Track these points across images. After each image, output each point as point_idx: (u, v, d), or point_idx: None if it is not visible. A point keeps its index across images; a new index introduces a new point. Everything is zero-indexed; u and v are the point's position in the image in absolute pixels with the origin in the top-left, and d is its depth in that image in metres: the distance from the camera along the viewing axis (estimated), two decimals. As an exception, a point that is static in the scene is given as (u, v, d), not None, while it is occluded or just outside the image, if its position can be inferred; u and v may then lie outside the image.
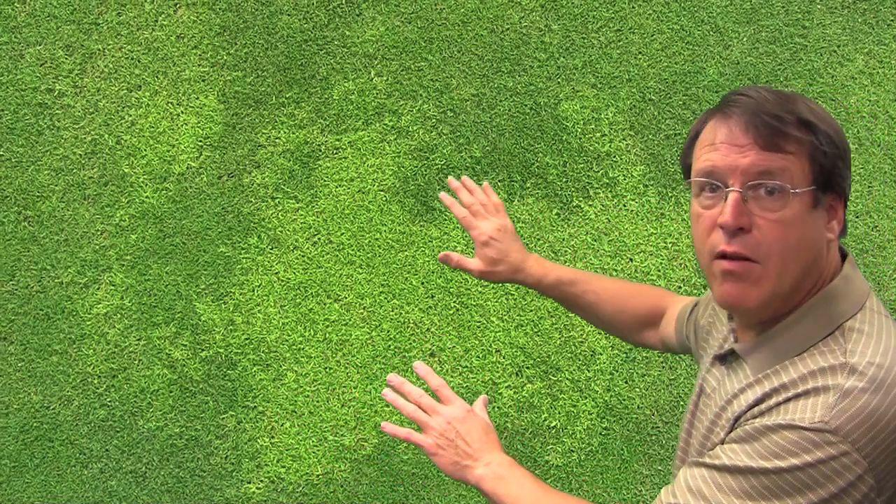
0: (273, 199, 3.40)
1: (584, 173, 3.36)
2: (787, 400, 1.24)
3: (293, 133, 3.44)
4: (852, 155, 3.30)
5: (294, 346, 3.29)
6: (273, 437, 3.23)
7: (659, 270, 3.27)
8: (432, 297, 3.31)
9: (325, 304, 3.31)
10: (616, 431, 3.18)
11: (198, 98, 3.48)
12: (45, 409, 3.29)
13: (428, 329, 3.28)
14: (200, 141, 3.45)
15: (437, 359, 3.26)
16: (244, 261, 3.36)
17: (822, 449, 1.19)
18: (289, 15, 3.53)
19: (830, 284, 1.33)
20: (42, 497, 3.24)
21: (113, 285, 3.36)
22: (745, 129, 1.28)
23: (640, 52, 3.44)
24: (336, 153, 3.43)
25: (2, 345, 3.33)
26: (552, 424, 3.19)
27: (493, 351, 3.25)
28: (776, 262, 1.28)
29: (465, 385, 3.22)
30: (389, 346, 3.27)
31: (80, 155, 3.45)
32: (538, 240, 3.32)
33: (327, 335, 3.29)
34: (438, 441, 1.50)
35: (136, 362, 3.30)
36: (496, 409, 3.21)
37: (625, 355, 3.22)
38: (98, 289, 3.36)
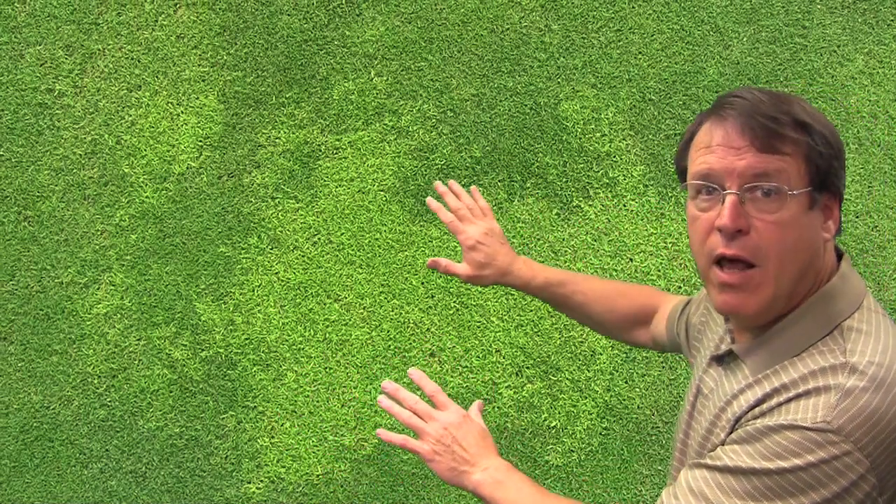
0: (273, 199, 3.40)
1: (584, 173, 3.36)
2: (789, 400, 1.24)
3: (293, 133, 3.44)
4: (852, 155, 3.30)
5: (294, 346, 3.29)
6: (273, 437, 3.23)
7: (659, 270, 3.27)
8: (432, 297, 3.31)
9: (325, 304, 3.31)
10: (616, 431, 3.18)
11: (198, 98, 3.48)
12: (45, 409, 3.29)
13: (428, 329, 3.28)
14: (200, 141, 3.45)
15: (437, 359, 3.26)
16: (244, 261, 3.36)
17: (825, 449, 1.19)
18: (289, 15, 3.53)
19: (828, 284, 1.34)
20: (42, 497, 3.24)
21: (113, 285, 3.36)
22: (742, 131, 1.28)
23: (640, 52, 3.44)
24: (336, 153, 3.43)
25: (2, 345, 3.33)
26: (552, 424, 3.19)
27: (493, 351, 3.25)
28: (775, 264, 1.28)
29: (465, 385, 3.22)
30: (389, 346, 3.27)
31: (80, 155, 3.45)
32: (538, 240, 3.32)
33: (327, 335, 3.29)
34: (435, 447, 1.49)
35: (136, 362, 3.30)
36: (496, 409, 3.21)
37: (625, 355, 3.22)
38: (98, 289, 3.35)
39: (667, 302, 1.86)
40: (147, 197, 3.41)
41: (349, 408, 3.24)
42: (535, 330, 3.25)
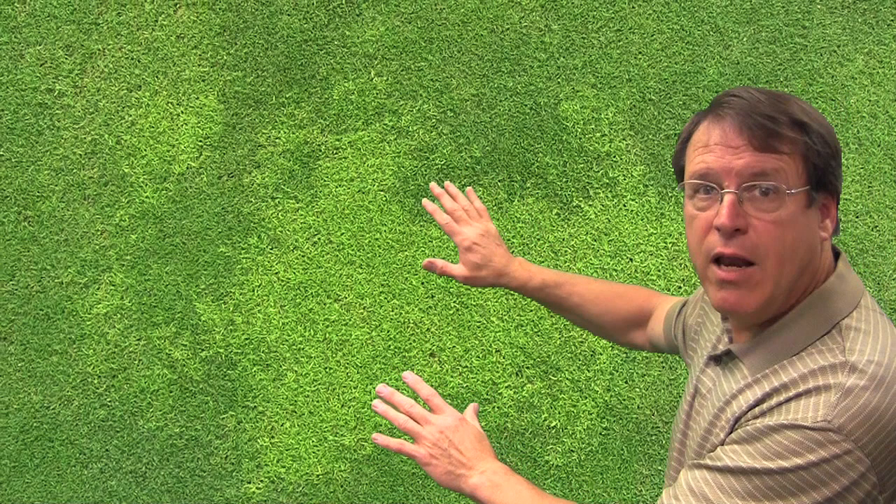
0: (273, 199, 3.40)
1: (584, 173, 3.36)
2: (789, 399, 1.24)
3: (293, 133, 3.44)
4: (852, 155, 3.30)
5: (294, 346, 3.29)
6: (273, 437, 3.23)
7: (659, 270, 3.27)
8: (432, 297, 3.31)
9: (325, 304, 3.31)
10: (616, 431, 3.18)
11: (198, 98, 3.48)
12: (45, 409, 3.29)
13: (428, 329, 3.28)
14: (200, 141, 3.45)
15: (437, 359, 3.26)
16: (244, 261, 3.36)
17: (826, 448, 1.19)
18: (289, 15, 3.53)
19: (825, 283, 1.34)
20: (42, 497, 3.24)
21: (113, 285, 3.35)
22: (739, 130, 1.28)
23: (640, 52, 3.44)
24: (336, 153, 3.43)
25: (2, 345, 3.33)
26: (552, 424, 3.19)
27: (493, 351, 3.25)
28: (773, 263, 1.28)
29: (465, 385, 3.22)
30: (389, 346, 3.27)
31: (80, 155, 3.45)
32: (538, 240, 3.32)
33: (327, 335, 3.29)
34: (431, 451, 1.48)
35: (136, 362, 3.30)
36: (496, 409, 3.21)
37: (625, 355, 3.22)
38: (98, 289, 3.35)
39: (663, 303, 1.86)
40: (147, 197, 3.41)
41: (349, 408, 3.24)
42: (535, 330, 3.25)
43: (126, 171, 3.44)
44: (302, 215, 3.38)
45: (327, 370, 3.27)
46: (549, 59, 3.45)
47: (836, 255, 1.39)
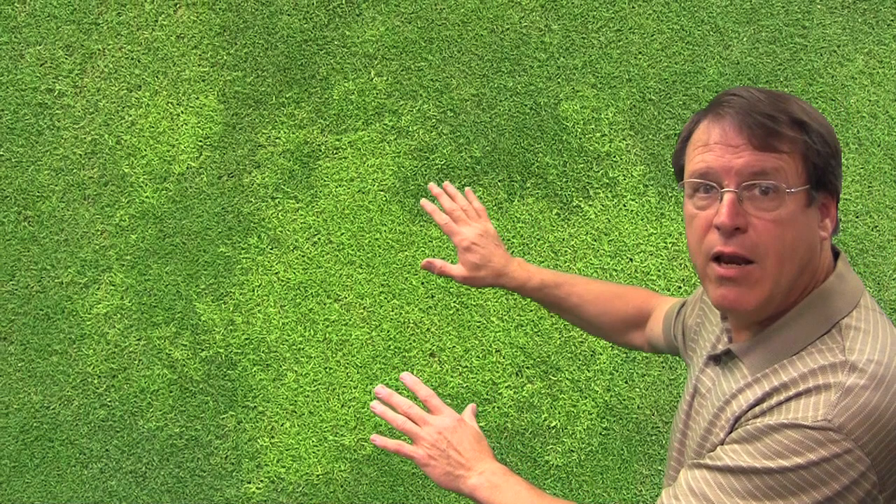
0: (273, 199, 3.40)
1: (584, 173, 3.36)
2: (789, 399, 1.24)
3: (293, 133, 3.44)
4: (852, 155, 3.30)
5: (294, 346, 3.29)
6: (273, 437, 3.23)
7: (659, 270, 3.27)
8: (432, 297, 3.31)
9: (325, 304, 3.31)
10: (616, 431, 3.17)
11: (198, 98, 3.48)
12: (45, 409, 3.29)
13: (428, 329, 3.28)
14: (200, 141, 3.45)
15: (437, 359, 3.26)
16: (244, 261, 3.36)
17: (826, 447, 1.19)
18: (289, 15, 3.53)
19: (825, 283, 1.34)
20: (42, 497, 3.24)
21: (113, 285, 3.35)
22: (739, 129, 1.28)
23: (640, 52, 3.44)
24: (336, 153, 3.43)
25: (2, 345, 3.33)
26: (552, 424, 3.19)
27: (493, 351, 3.25)
28: (773, 262, 1.28)
29: (465, 385, 3.22)
30: (389, 346, 3.27)
31: (80, 155, 3.45)
32: (538, 240, 3.32)
33: (327, 335, 3.29)
34: (430, 452, 1.48)
35: (136, 362, 3.30)
36: (496, 409, 3.21)
37: (625, 355, 3.22)
38: (98, 289, 3.35)
39: (661, 304, 1.86)
40: (147, 197, 3.41)
41: (349, 408, 3.24)
42: (535, 330, 3.25)
43: (126, 171, 3.44)
44: (302, 215, 3.38)
45: (327, 370, 3.27)
46: (549, 59, 3.45)
47: (836, 254, 1.39)
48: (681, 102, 3.39)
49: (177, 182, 3.42)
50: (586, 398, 3.20)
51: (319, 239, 3.37)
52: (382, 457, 3.20)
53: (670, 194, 3.33)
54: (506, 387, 3.22)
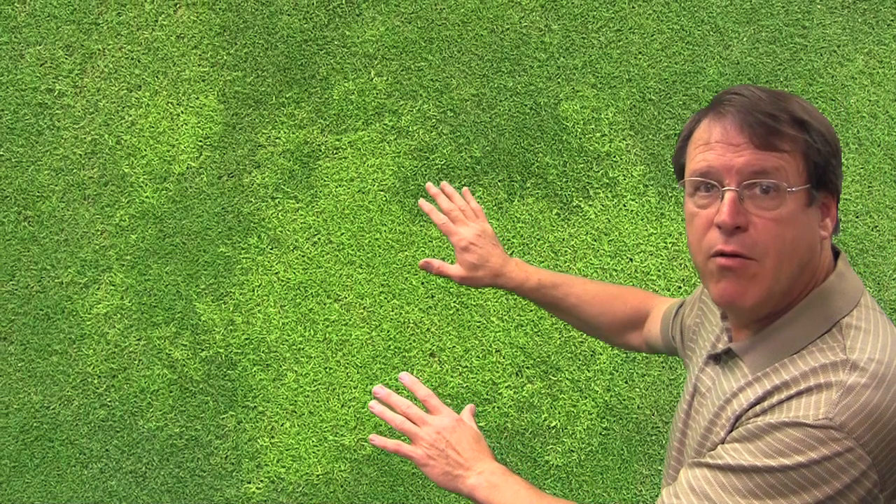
0: (273, 199, 3.40)
1: (584, 173, 3.36)
2: (790, 397, 1.24)
3: (293, 133, 3.44)
4: (852, 155, 3.30)
5: (294, 346, 3.29)
6: (273, 437, 3.23)
7: (659, 270, 3.27)
8: (432, 297, 3.31)
9: (325, 304, 3.31)
10: (616, 431, 3.17)
11: (198, 98, 3.48)
12: (45, 409, 3.28)
13: (428, 329, 3.28)
14: (200, 141, 3.45)
15: (437, 359, 3.26)
16: (244, 261, 3.36)
17: (827, 446, 1.19)
18: (289, 15, 3.53)
19: (826, 282, 1.34)
20: (42, 497, 3.24)
21: (113, 285, 3.35)
22: (741, 127, 1.29)
23: (640, 52, 3.44)
24: (336, 153, 3.43)
25: (2, 345, 3.33)
26: (552, 424, 3.19)
27: (493, 351, 3.25)
28: (773, 260, 1.28)
29: (465, 385, 3.22)
30: (389, 346, 3.27)
31: (80, 155, 3.45)
32: (538, 240, 3.32)
33: (327, 335, 3.29)
34: (429, 451, 1.48)
35: (136, 362, 3.30)
36: (496, 409, 3.21)
37: (625, 355, 3.22)
38: (98, 289, 3.35)
39: (659, 304, 1.86)
40: (147, 197, 3.41)
41: (349, 408, 3.24)
42: (535, 330, 3.25)
43: (126, 171, 3.44)
44: (302, 215, 3.38)
45: (327, 370, 3.27)
46: (549, 59, 3.45)
47: (836, 254, 1.39)
48: (681, 102, 3.39)
49: (177, 182, 3.42)
50: (586, 398, 3.20)
51: (319, 239, 3.37)
52: (382, 457, 3.20)
53: (670, 194, 3.33)
54: (506, 387, 3.22)
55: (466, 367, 3.24)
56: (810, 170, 1.30)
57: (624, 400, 3.19)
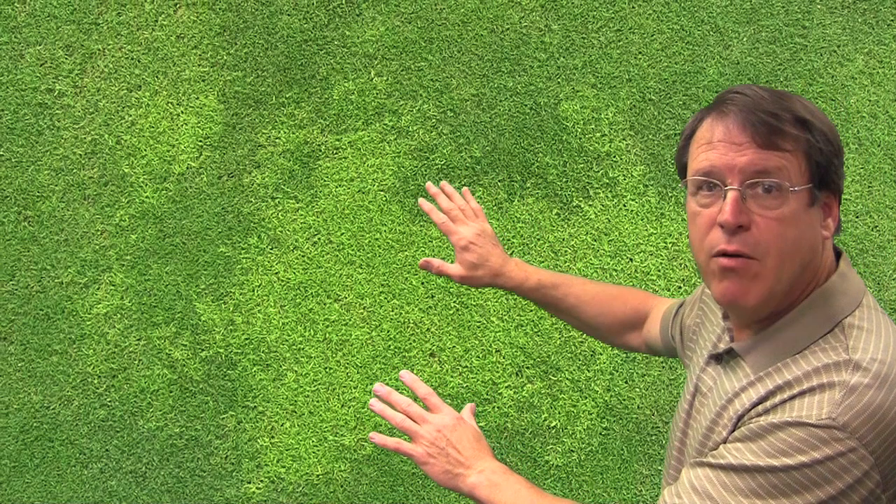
0: (273, 199, 3.40)
1: (584, 173, 3.36)
2: (793, 397, 1.24)
3: (293, 133, 3.44)
4: (852, 155, 3.30)
5: (294, 346, 3.29)
6: (273, 437, 3.23)
7: (659, 270, 3.27)
8: (432, 297, 3.31)
9: (325, 304, 3.31)
10: (616, 431, 3.18)
11: (198, 98, 3.48)
12: (45, 409, 3.28)
13: (428, 329, 3.28)
14: (200, 141, 3.44)
15: (437, 359, 3.26)
16: (244, 261, 3.36)
17: (830, 445, 1.19)
18: (289, 15, 3.53)
19: (828, 282, 1.34)
20: (42, 497, 3.23)
21: (113, 285, 3.35)
22: (743, 127, 1.29)
23: (640, 52, 3.44)
24: (336, 153, 3.43)
25: (2, 345, 3.32)
26: (552, 424, 3.19)
27: (493, 351, 3.25)
28: (775, 260, 1.28)
29: (465, 385, 3.22)
30: (389, 346, 3.27)
31: (80, 155, 3.45)
32: (538, 240, 3.32)
33: (327, 335, 3.29)
34: (429, 450, 1.48)
35: (136, 362, 3.30)
36: (496, 409, 3.21)
37: (625, 355, 3.22)
38: (98, 289, 3.35)
39: (659, 305, 1.86)
40: (147, 197, 3.41)
41: (349, 408, 3.24)
42: (535, 330, 3.25)
43: (126, 171, 3.44)
44: (302, 215, 3.38)
45: (327, 370, 3.27)
46: (549, 59, 3.45)
47: (838, 254, 1.39)
48: (681, 102, 3.39)
49: (177, 182, 3.42)
50: (586, 398, 3.20)
51: (319, 239, 3.37)
52: (382, 457, 3.20)
53: (670, 194, 3.33)
54: (506, 387, 3.22)
55: (466, 367, 3.24)
56: (812, 169, 1.30)
57: (624, 400, 3.19)
